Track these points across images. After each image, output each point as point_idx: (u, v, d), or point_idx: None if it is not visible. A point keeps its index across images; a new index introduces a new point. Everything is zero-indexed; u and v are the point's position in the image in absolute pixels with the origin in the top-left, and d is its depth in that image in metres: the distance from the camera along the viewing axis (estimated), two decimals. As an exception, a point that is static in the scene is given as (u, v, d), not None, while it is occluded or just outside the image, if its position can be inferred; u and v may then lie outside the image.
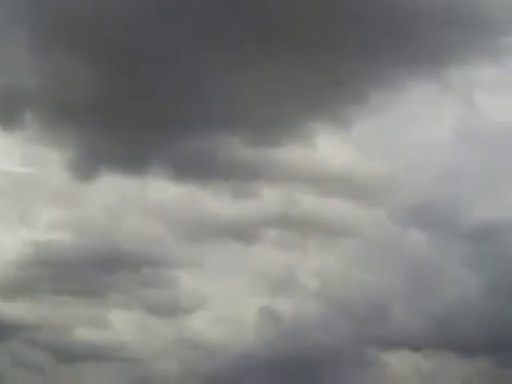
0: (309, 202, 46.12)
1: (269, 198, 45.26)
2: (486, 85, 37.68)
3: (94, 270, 45.47)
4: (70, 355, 46.12)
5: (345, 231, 46.04)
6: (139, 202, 46.17)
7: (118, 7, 31.97)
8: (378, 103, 35.10)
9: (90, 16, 32.25)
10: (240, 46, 33.70)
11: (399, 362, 47.04)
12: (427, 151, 39.81)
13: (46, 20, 31.79)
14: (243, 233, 48.80)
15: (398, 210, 41.62)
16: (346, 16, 32.08)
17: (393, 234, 43.82)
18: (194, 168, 38.89)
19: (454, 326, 42.94)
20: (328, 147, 41.61)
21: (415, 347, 40.48)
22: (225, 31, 32.85)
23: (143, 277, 56.06)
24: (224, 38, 33.39)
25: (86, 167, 39.12)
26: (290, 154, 40.29)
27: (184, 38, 32.90)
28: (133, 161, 38.48)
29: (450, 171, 38.81)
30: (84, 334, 46.77)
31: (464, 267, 42.83)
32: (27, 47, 33.14)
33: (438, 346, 40.89)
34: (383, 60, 33.47)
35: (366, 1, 32.20)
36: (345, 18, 32.05)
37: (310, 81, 34.38)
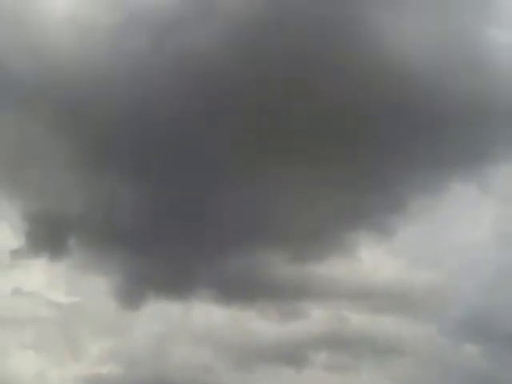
0: (357, 319, 45.34)
1: (316, 318, 44.58)
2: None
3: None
4: None
5: (396, 349, 44.87)
6: (185, 328, 45.83)
7: (155, 128, 32.80)
8: (417, 209, 34.95)
9: (129, 137, 33.04)
10: (277, 162, 34.16)
11: None
12: (471, 256, 39.23)
13: (86, 144, 32.60)
14: (292, 356, 47.78)
15: (448, 323, 40.64)
16: (384, 122, 32.45)
17: (445, 349, 42.63)
18: (238, 288, 38.77)
19: None
20: (372, 259, 41.29)
21: None
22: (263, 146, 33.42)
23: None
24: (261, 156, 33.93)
25: (132, 294, 39.18)
26: (334, 268, 40.03)
27: (224, 147, 33.46)
28: (177, 285, 38.53)
29: (496, 280, 38.07)
30: None
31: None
32: (68, 172, 33.86)
33: None
34: (420, 163, 33.53)
35: (403, 105, 32.56)
36: (382, 124, 32.40)
37: (347, 191, 34.51)
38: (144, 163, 33.19)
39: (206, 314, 44.11)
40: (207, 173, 33.39)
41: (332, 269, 40.86)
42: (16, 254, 37.19)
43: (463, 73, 32.30)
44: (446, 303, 40.78)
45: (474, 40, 32.45)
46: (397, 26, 32.30)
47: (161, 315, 43.20)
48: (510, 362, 40.63)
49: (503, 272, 38.53)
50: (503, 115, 32.91)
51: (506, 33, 33.50)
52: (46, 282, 40.15)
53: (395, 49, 31.90)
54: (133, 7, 32.54)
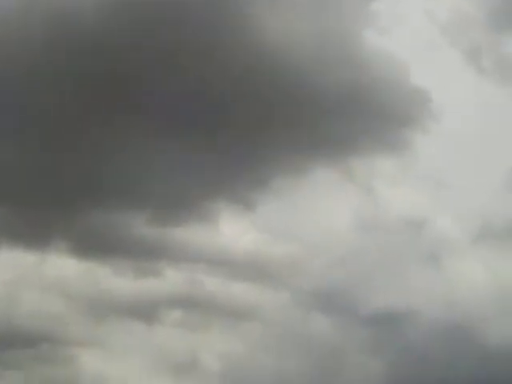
0: (213, 284, 45.91)
1: (172, 279, 44.81)
2: (385, 176, 38.70)
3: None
4: None
5: (249, 314, 45.75)
6: (38, 278, 45.10)
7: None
8: (278, 187, 35.50)
9: None
10: (144, 124, 33.78)
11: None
12: (328, 237, 40.28)
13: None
14: (145, 313, 47.99)
15: (301, 294, 41.70)
16: (249, 101, 32.61)
17: (296, 318, 43.74)
18: (95, 244, 38.40)
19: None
20: (232, 229, 41.67)
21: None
22: (132, 111, 32.96)
23: (40, 353, 54.48)
24: (130, 115, 33.46)
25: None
26: (193, 234, 40.22)
27: (88, 115, 32.87)
28: (32, 234, 37.79)
29: (351, 258, 39.32)
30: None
31: (365, 353, 43.03)
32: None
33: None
34: (286, 146, 33.99)
35: (275, 88, 32.79)
36: (248, 103, 32.55)
37: (213, 162, 34.60)
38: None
39: (61, 266, 43.57)
40: (78, 127, 32.58)
41: (191, 234, 41.01)
42: None
43: (335, 68, 32.79)
44: (300, 275, 41.78)
45: (350, 40, 32.98)
46: (276, 23, 32.41)
47: (13, 263, 42.34)
48: (357, 334, 42.19)
49: (355, 251, 39.88)
50: (370, 110, 33.72)
51: (379, 35, 34.29)
52: None
53: (271, 42, 32.04)
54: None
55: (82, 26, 31.02)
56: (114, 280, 44.34)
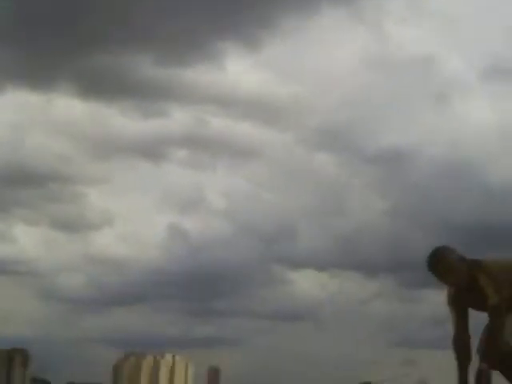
0: (218, 123, 47.00)
1: (178, 119, 45.81)
2: (395, 15, 38.83)
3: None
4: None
5: (254, 154, 47.15)
6: (45, 119, 46.17)
7: None
8: (286, 28, 35.77)
9: None
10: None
11: (305, 281, 49.52)
12: (335, 77, 40.95)
13: None
14: (152, 152, 49.38)
15: (306, 134, 42.72)
16: None
17: (301, 156, 45.02)
18: (100, 85, 38.94)
19: (358, 247, 44.93)
20: (238, 69, 42.26)
21: (321, 267, 42.26)
22: None
23: (49, 192, 56.87)
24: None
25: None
26: (199, 74, 40.78)
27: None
28: (38, 76, 38.23)
29: (358, 97, 40.12)
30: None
31: (369, 190, 44.47)
32: None
33: (343, 266, 42.96)
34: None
35: None
36: None
37: (217, 4, 34.70)
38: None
39: (67, 108, 44.31)
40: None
41: (197, 75, 41.58)
42: None
43: None
44: (306, 115, 42.66)
45: None
46: None
47: (20, 105, 42.94)
48: (360, 170, 43.59)
49: (362, 91, 40.49)
50: None
51: None
52: None
53: None
54: None
55: None
56: (121, 120, 45.09)
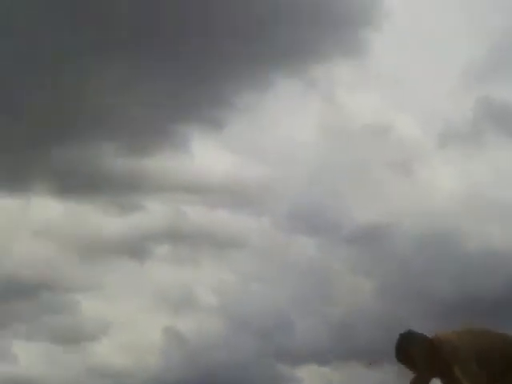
0: (195, 213, 46.31)
1: (154, 211, 45.32)
2: (345, 81, 38.66)
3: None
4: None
5: (234, 242, 46.18)
6: (23, 224, 45.91)
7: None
8: (243, 104, 35.67)
9: None
10: (103, 50, 33.82)
11: (309, 378, 47.13)
12: (297, 152, 40.58)
13: None
14: (135, 249, 48.59)
15: (280, 217, 42.06)
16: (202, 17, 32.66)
17: (280, 241, 44.12)
18: (73, 181, 38.79)
19: (355, 333, 43.16)
20: (203, 153, 42.06)
21: (323, 361, 40.66)
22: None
23: (43, 303, 55.41)
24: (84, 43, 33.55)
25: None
26: (166, 162, 40.53)
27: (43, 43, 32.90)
28: (11, 179, 38.20)
29: (322, 173, 39.58)
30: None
31: (353, 272, 43.40)
32: None
33: (344, 357, 41.11)
34: (245, 61, 34.02)
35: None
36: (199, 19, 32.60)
37: (176, 84, 34.78)
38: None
39: (46, 208, 44.01)
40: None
41: (164, 162, 41.38)
42: None
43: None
44: (277, 196, 42.06)
45: None
46: None
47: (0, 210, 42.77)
48: (340, 251, 42.52)
49: (327, 165, 40.05)
50: (330, 16, 33.63)
51: None
52: None
53: None
54: None
55: None
56: (99, 217, 44.82)
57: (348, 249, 44.05)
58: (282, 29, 32.29)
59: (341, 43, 33.26)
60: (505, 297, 26.68)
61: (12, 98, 32.87)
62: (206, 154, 42.04)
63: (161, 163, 39.59)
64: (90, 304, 52.38)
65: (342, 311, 44.71)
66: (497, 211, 36.73)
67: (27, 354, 52.61)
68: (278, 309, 48.63)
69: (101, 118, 34.82)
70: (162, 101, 33.68)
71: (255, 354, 43.60)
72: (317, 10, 32.06)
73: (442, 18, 36.45)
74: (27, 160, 36.75)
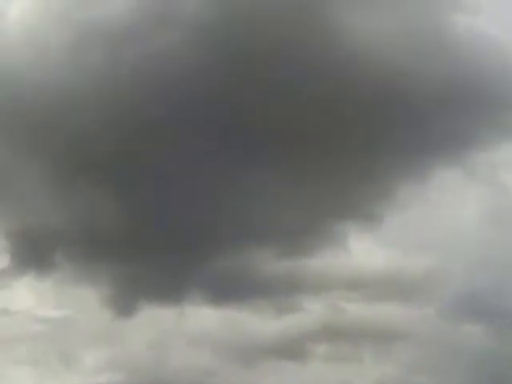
0: (354, 309, 45.08)
1: (312, 310, 44.29)
2: (508, 164, 37.05)
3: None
4: None
5: (396, 335, 44.56)
6: (181, 332, 45.42)
7: (127, 138, 32.22)
8: (403, 196, 34.54)
9: (108, 145, 32.52)
10: (259, 158, 33.55)
11: None
12: (460, 240, 38.91)
13: (66, 154, 32.13)
14: (293, 350, 47.53)
15: (445, 305, 40.26)
16: (361, 110, 32.00)
17: (446, 330, 42.29)
18: (230, 288, 38.29)
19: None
20: (362, 248, 40.92)
21: None
22: (241, 145, 32.80)
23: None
24: (242, 152, 33.33)
25: (124, 302, 38.62)
26: (324, 260, 39.60)
27: (203, 154, 32.88)
28: (168, 289, 38.04)
29: (488, 258, 37.79)
30: None
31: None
32: (46, 187, 33.33)
33: None
34: (404, 151, 33.13)
35: (378, 92, 32.03)
36: (360, 113, 31.95)
37: (332, 181, 34.04)
38: (122, 172, 32.62)
39: (200, 317, 43.62)
40: (189, 177, 32.82)
41: (322, 261, 40.44)
42: (1, 274, 36.56)
43: (434, 59, 31.79)
44: (441, 285, 40.46)
45: (440, 28, 31.95)
46: (360, 21, 31.82)
47: (155, 321, 42.62)
48: (510, 337, 40.38)
49: (492, 250, 38.24)
50: (483, 100, 32.46)
51: (467, 18, 33.01)
52: (34, 299, 39.49)
53: (363, 43, 31.42)
54: (86, 22, 32.00)
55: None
56: (256, 322, 43.97)
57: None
58: (436, 118, 31.20)
59: (499, 127, 31.90)
60: None
61: (179, 215, 32.84)
62: (364, 249, 40.80)
63: (317, 262, 38.62)
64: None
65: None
66: None
67: None
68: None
69: (254, 223, 34.27)
70: (316, 200, 32.87)
71: None
72: (470, 95, 30.84)
73: None
74: (180, 269, 36.51)
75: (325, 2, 31.04)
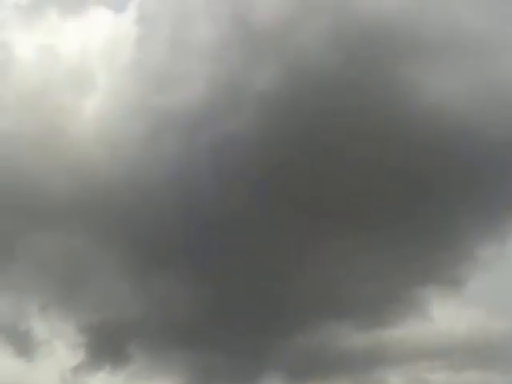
0: (440, 379, 43.56)
1: (394, 383, 43.02)
2: None
3: None
4: None
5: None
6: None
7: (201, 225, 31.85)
8: (485, 257, 33.69)
9: (176, 238, 32.14)
10: (336, 230, 33.00)
11: None
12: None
13: (142, 245, 31.79)
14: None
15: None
16: (439, 174, 31.53)
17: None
18: (309, 366, 37.28)
19: None
20: (445, 314, 39.64)
21: None
22: (318, 218, 32.29)
23: None
24: (319, 225, 32.82)
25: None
26: (406, 330, 38.42)
27: (279, 229, 32.45)
28: (245, 373, 37.14)
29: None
30: None
31: None
32: (120, 280, 32.90)
33: None
34: (485, 212, 32.40)
35: (456, 156, 31.53)
36: (439, 177, 31.45)
37: (413, 248, 33.32)
38: (196, 261, 32.10)
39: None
40: (262, 259, 32.26)
41: (404, 330, 39.21)
42: (77, 370, 35.79)
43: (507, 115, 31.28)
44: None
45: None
46: (429, 80, 31.44)
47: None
48: None
49: None
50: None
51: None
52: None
53: (437, 102, 31.00)
54: (159, 112, 32.00)
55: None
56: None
57: None
58: (506, 178, 30.53)
59: None
60: None
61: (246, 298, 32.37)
62: (448, 315, 39.53)
63: (399, 332, 37.54)
64: None
65: None
66: None
67: None
68: None
69: (331, 297, 33.41)
70: (395, 268, 32.07)
71: None
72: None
73: None
74: (257, 353, 35.64)
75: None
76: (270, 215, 31.32)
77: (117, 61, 35.00)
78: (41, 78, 34.84)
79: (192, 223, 31.00)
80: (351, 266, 34.13)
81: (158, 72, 33.46)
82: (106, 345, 33.99)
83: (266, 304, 34.84)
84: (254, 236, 31.50)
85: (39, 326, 34.59)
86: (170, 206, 30.51)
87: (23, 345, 34.07)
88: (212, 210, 30.85)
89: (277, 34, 31.72)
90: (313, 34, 31.58)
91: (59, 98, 34.58)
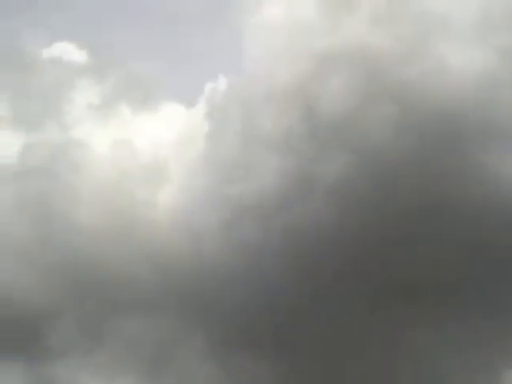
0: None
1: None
2: None
3: None
4: None
5: None
6: None
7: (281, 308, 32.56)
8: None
9: (254, 323, 32.85)
10: (420, 317, 33.02)
11: None
12: None
13: (224, 331, 32.56)
14: None
15: None
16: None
17: None
18: None
19: None
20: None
21: None
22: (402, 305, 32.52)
23: None
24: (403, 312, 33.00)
25: None
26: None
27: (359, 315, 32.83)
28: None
29: None
30: None
31: None
32: (202, 366, 33.54)
33: None
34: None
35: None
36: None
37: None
38: (275, 343, 32.78)
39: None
40: (338, 344, 32.77)
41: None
42: None
43: None
44: None
45: None
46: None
47: None
48: None
49: None
50: None
51: None
52: None
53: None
54: (234, 198, 33.10)
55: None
56: None
57: None
58: None
59: None
60: None
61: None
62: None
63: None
64: None
65: None
66: None
67: None
68: None
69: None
70: (483, 354, 32.27)
71: None
72: None
73: None
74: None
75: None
76: (350, 300, 31.96)
77: (189, 154, 36.27)
78: (116, 172, 36.14)
79: (272, 309, 31.77)
80: (439, 356, 33.82)
81: (229, 163, 34.53)
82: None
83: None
84: (332, 324, 32.13)
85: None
86: (251, 294, 31.33)
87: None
88: (289, 295, 31.65)
89: (343, 124, 32.66)
90: (379, 123, 32.46)
91: (134, 191, 35.85)
